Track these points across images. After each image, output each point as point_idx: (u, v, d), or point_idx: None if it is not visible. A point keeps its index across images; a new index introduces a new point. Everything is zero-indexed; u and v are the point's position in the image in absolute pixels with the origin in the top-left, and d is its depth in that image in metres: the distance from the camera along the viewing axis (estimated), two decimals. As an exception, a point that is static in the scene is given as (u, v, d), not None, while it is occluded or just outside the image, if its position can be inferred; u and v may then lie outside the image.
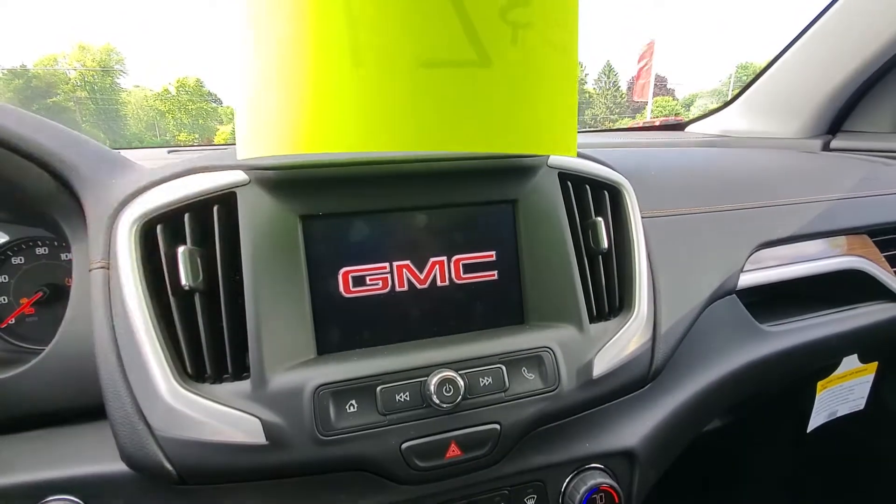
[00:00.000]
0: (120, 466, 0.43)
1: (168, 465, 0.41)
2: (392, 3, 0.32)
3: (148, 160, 0.61)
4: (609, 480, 0.50)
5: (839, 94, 1.07)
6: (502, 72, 0.35)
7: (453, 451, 0.45)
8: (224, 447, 0.41)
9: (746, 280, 0.64)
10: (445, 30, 0.33)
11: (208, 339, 0.43)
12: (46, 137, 0.46)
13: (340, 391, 0.42)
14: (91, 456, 0.45)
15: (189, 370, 0.43)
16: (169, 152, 0.95)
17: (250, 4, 0.34)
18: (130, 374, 0.42)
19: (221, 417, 0.41)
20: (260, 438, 0.41)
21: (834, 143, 1.11)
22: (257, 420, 0.41)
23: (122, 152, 0.58)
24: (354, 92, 0.34)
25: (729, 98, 1.33)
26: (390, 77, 0.33)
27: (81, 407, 0.47)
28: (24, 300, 0.58)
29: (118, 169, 0.50)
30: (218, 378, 0.44)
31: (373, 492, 0.47)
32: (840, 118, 1.12)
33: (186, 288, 0.43)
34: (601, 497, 0.49)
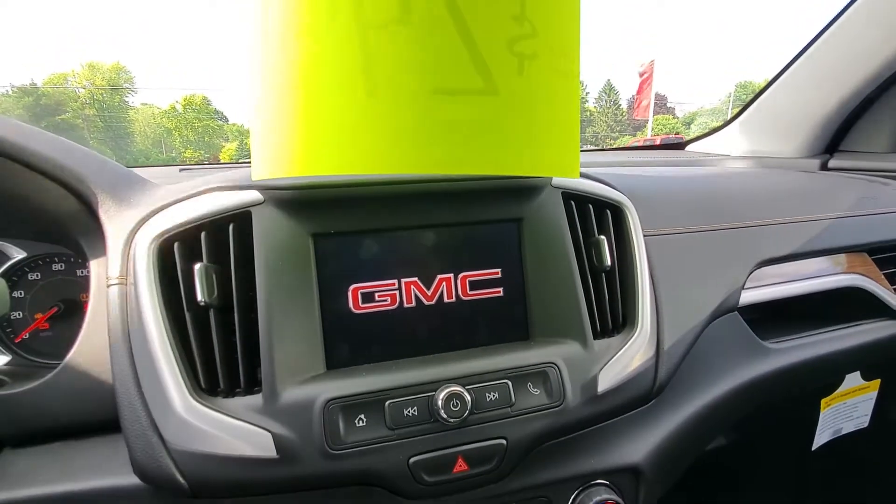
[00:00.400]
0: (133, 480, 0.44)
1: (180, 479, 0.42)
2: (405, 37, 0.34)
3: (161, 178, 0.62)
4: (615, 496, 0.51)
5: (836, 114, 1.09)
6: (509, 99, 0.36)
7: (460, 466, 0.45)
8: (235, 461, 0.42)
9: (748, 297, 0.65)
10: (455, 61, 0.35)
11: (222, 353, 0.45)
12: (71, 159, 0.48)
13: (349, 405, 0.43)
14: (105, 469, 0.46)
15: (202, 384, 0.44)
16: (181, 170, 0.97)
17: (269, 34, 0.36)
18: (145, 388, 0.43)
19: (233, 431, 0.42)
20: (271, 452, 0.42)
21: (832, 163, 1.12)
22: (268, 434, 0.42)
23: (136, 170, 0.60)
24: (367, 118, 0.35)
25: (728, 117, 1.35)
26: (401, 104, 0.35)
27: (95, 421, 0.48)
28: (38, 315, 0.59)
29: (136, 188, 0.52)
30: (230, 392, 0.45)
31: None
32: (837, 138, 1.14)
33: (202, 304, 0.44)
34: (607, 513, 0.50)
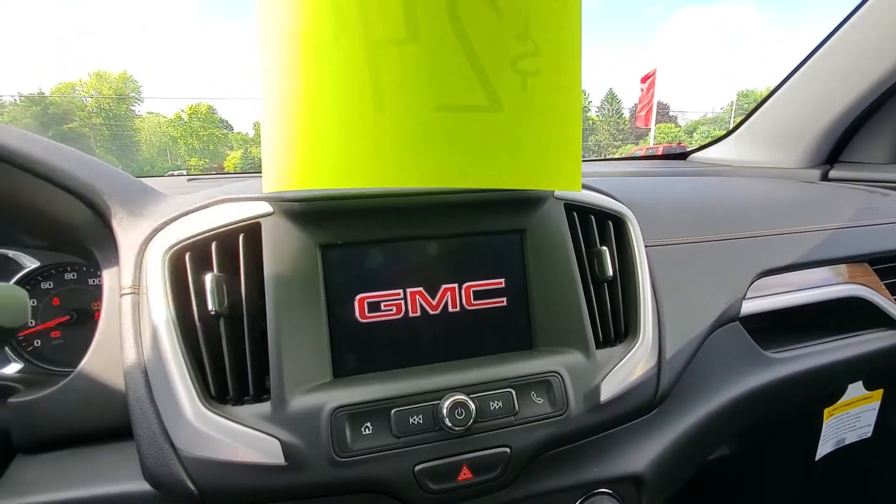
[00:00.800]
0: (143, 486, 0.45)
1: (190, 485, 0.42)
2: (411, 55, 0.35)
3: (171, 188, 0.64)
4: None
5: (837, 125, 1.10)
6: (512, 115, 0.38)
7: (465, 474, 0.46)
8: (244, 467, 0.42)
9: (749, 307, 0.66)
10: (461, 79, 0.36)
11: (231, 362, 0.45)
12: (85, 171, 0.50)
13: (356, 413, 0.44)
14: (116, 476, 0.47)
15: (212, 392, 0.45)
16: (189, 180, 0.99)
17: (282, 53, 0.37)
18: (157, 395, 0.44)
19: (242, 438, 0.42)
20: (279, 459, 0.42)
21: (832, 174, 1.13)
22: (277, 441, 0.42)
23: (146, 180, 0.61)
24: (374, 133, 0.37)
25: (730, 126, 1.36)
26: (408, 120, 0.37)
27: (107, 428, 0.49)
28: (50, 323, 0.60)
29: (149, 199, 0.53)
30: (239, 400, 0.45)
31: None
32: (838, 149, 1.15)
33: (213, 313, 0.45)
34: (610, 522, 0.50)
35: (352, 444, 0.43)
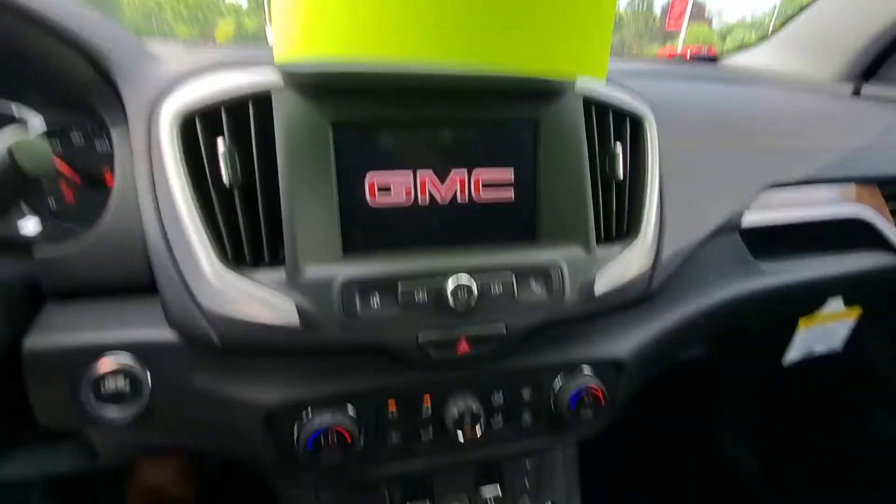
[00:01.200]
0: (167, 334, 0.49)
1: (212, 335, 0.46)
2: None
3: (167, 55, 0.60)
4: (598, 383, 0.56)
5: (879, 38, 1.02)
6: None
7: (463, 346, 0.50)
8: (262, 327, 0.46)
9: (751, 219, 0.67)
10: None
11: (247, 227, 0.47)
12: (88, 26, 0.47)
13: (365, 286, 0.47)
14: (144, 322, 0.50)
15: (229, 255, 0.47)
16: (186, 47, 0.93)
17: None
18: (178, 256, 0.46)
19: (261, 300, 0.45)
20: (294, 321, 0.46)
21: (865, 90, 1.07)
22: (292, 304, 0.45)
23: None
24: (398, 2, 0.34)
25: (769, 33, 1.27)
26: None
27: (131, 282, 0.51)
28: (63, 184, 0.61)
29: (153, 60, 0.51)
30: (255, 265, 0.48)
31: (390, 373, 0.53)
32: (876, 64, 1.08)
33: (227, 185, 0.45)
34: (589, 396, 0.56)
35: (361, 312, 0.47)
